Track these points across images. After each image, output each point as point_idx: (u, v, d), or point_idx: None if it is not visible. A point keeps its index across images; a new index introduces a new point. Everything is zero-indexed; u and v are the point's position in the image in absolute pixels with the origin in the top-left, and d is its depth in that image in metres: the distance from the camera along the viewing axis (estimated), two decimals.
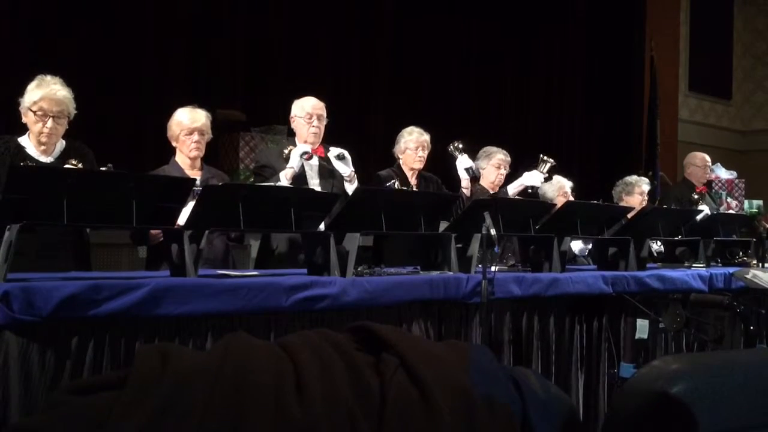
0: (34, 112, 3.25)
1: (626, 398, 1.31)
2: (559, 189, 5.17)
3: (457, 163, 4.39)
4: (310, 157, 3.87)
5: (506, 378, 1.45)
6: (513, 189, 4.73)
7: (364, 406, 1.34)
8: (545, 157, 4.73)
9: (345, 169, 3.91)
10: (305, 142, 3.99)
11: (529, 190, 4.63)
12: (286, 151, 3.92)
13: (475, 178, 4.34)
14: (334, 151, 3.90)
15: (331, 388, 1.34)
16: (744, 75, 11.84)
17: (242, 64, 6.76)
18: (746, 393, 1.26)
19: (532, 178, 4.68)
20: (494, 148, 5.00)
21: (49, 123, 3.26)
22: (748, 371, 1.29)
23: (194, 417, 1.28)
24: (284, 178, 3.79)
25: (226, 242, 3.85)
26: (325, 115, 4.05)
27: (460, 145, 4.45)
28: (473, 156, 5.07)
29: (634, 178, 5.65)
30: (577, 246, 4.92)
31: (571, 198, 5.12)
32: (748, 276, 4.06)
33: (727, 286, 4.18)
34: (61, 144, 3.38)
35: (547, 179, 4.70)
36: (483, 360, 1.47)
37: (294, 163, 3.82)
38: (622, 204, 5.31)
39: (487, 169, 4.94)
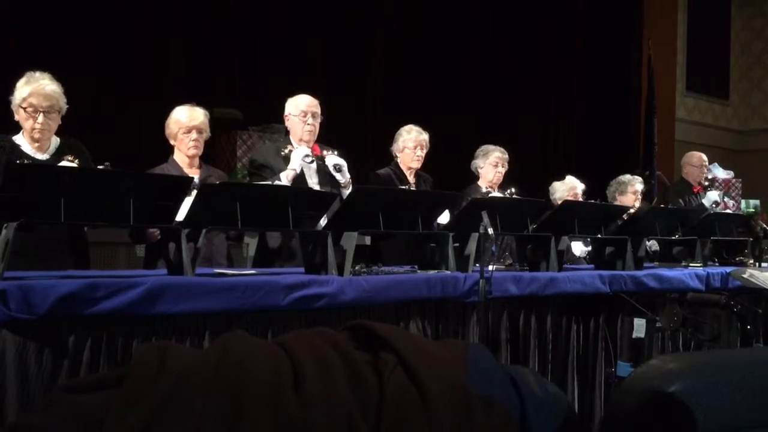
0: (25, 109, 3.25)
1: (623, 397, 1.31)
2: (570, 189, 5.16)
3: None
4: (313, 161, 3.86)
5: (504, 377, 1.45)
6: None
7: (363, 404, 1.34)
8: None
9: (341, 178, 3.90)
10: (300, 140, 3.97)
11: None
12: (285, 152, 3.91)
13: None
14: (331, 160, 3.87)
15: (330, 386, 1.35)
16: (741, 75, 11.85)
17: (240, 63, 6.75)
18: (743, 392, 1.26)
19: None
20: (491, 146, 4.98)
21: (40, 118, 3.26)
22: (744, 370, 1.30)
23: (192, 415, 1.28)
24: (285, 179, 3.78)
25: (224, 240, 3.85)
26: (319, 112, 4.03)
27: None
28: (472, 156, 5.08)
29: (627, 177, 5.65)
30: (578, 248, 4.90)
31: (581, 200, 5.09)
32: (745, 275, 4.06)
33: (724, 286, 4.19)
34: (55, 141, 3.38)
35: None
36: (481, 359, 1.47)
37: (296, 164, 3.82)
38: (616, 203, 5.32)
39: (485, 167, 4.94)
